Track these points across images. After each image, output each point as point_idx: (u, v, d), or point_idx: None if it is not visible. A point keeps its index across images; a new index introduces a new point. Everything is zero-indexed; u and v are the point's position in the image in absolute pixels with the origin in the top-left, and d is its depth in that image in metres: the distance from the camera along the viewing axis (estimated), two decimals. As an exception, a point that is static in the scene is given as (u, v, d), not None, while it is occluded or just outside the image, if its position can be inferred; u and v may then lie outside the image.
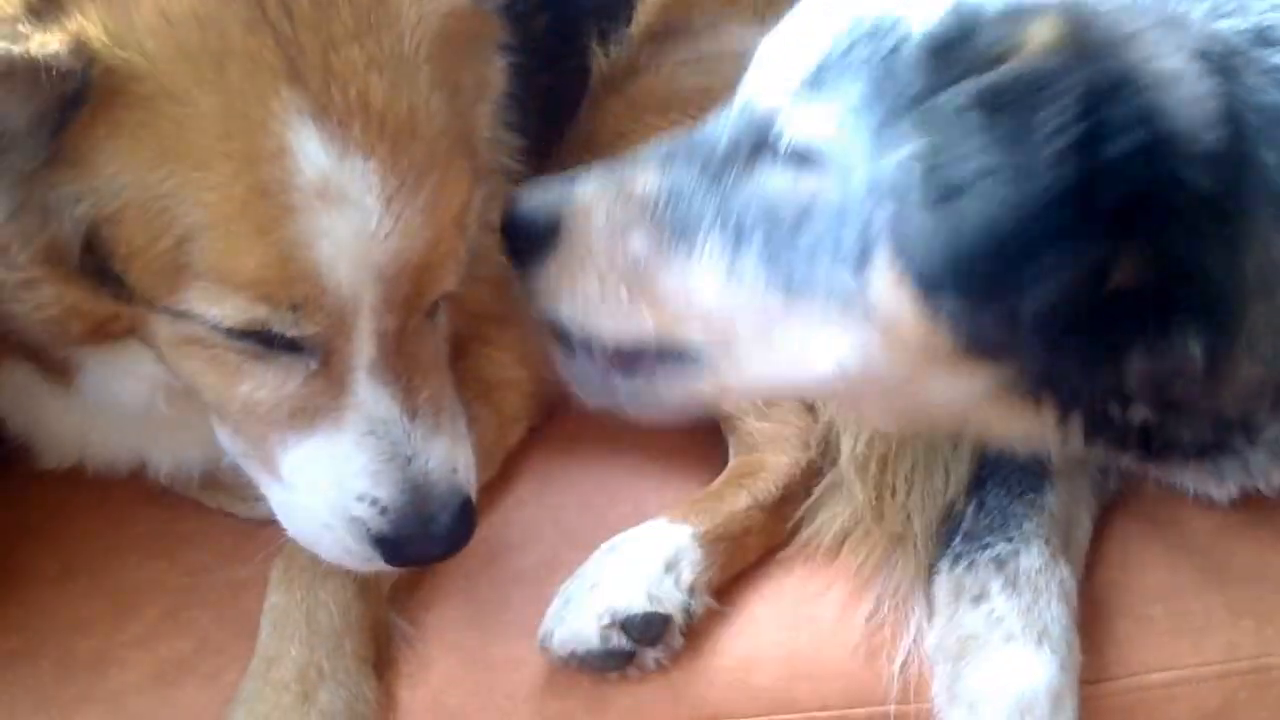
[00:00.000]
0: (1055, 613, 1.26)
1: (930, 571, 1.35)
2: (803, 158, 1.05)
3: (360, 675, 1.25)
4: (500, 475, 1.48)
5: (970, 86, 0.96)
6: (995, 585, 1.28)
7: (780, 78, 1.09)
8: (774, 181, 1.06)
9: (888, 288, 1.01)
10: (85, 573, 1.40)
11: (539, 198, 1.15)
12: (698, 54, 1.61)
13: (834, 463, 1.45)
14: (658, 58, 1.63)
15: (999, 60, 0.98)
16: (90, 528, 1.44)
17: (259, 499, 1.39)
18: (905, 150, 0.97)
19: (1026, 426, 1.12)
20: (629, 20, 1.65)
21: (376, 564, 1.20)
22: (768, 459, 1.44)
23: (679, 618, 1.29)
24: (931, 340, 1.02)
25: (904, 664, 1.31)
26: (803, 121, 1.05)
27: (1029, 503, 1.34)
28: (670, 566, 1.31)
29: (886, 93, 1.01)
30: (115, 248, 1.06)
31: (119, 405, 1.30)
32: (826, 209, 1.03)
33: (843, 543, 1.41)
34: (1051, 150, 0.92)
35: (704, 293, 1.09)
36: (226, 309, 1.05)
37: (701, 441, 1.52)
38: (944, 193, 0.94)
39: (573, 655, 1.27)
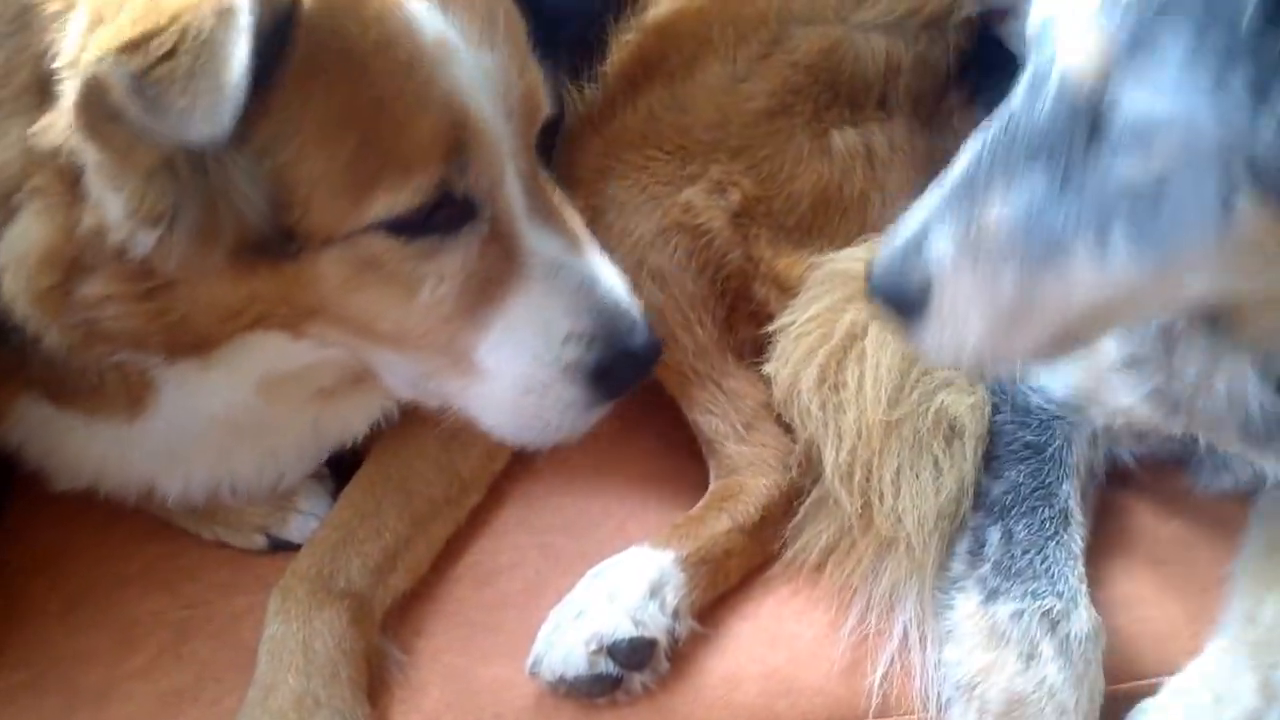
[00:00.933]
0: (1099, 686, 1.29)
1: (946, 582, 1.37)
2: (1144, 133, 1.02)
3: (355, 702, 1.28)
4: (487, 501, 1.50)
5: None
6: (1048, 649, 1.28)
7: (1092, 42, 1.03)
8: (1122, 166, 1.04)
9: (1252, 217, 1.02)
10: (88, 607, 1.42)
11: (896, 262, 1.15)
12: (674, 92, 1.64)
13: (816, 481, 1.48)
14: (635, 96, 1.65)
15: None
16: (92, 563, 1.47)
17: (256, 530, 1.46)
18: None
19: None
20: (603, 59, 1.67)
21: (600, 408, 1.22)
22: (748, 482, 1.48)
23: (664, 641, 1.33)
24: None
25: (885, 676, 1.35)
26: (1135, 97, 1.01)
27: (1064, 547, 1.35)
28: (654, 591, 1.35)
29: (1212, 41, 0.98)
30: (296, 191, 1.08)
31: (190, 429, 1.30)
32: (1181, 175, 1.02)
33: (828, 558, 1.44)
34: None
35: (1085, 291, 1.08)
36: (414, 186, 1.09)
37: (683, 466, 1.56)
38: None
39: (561, 680, 1.30)
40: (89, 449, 1.36)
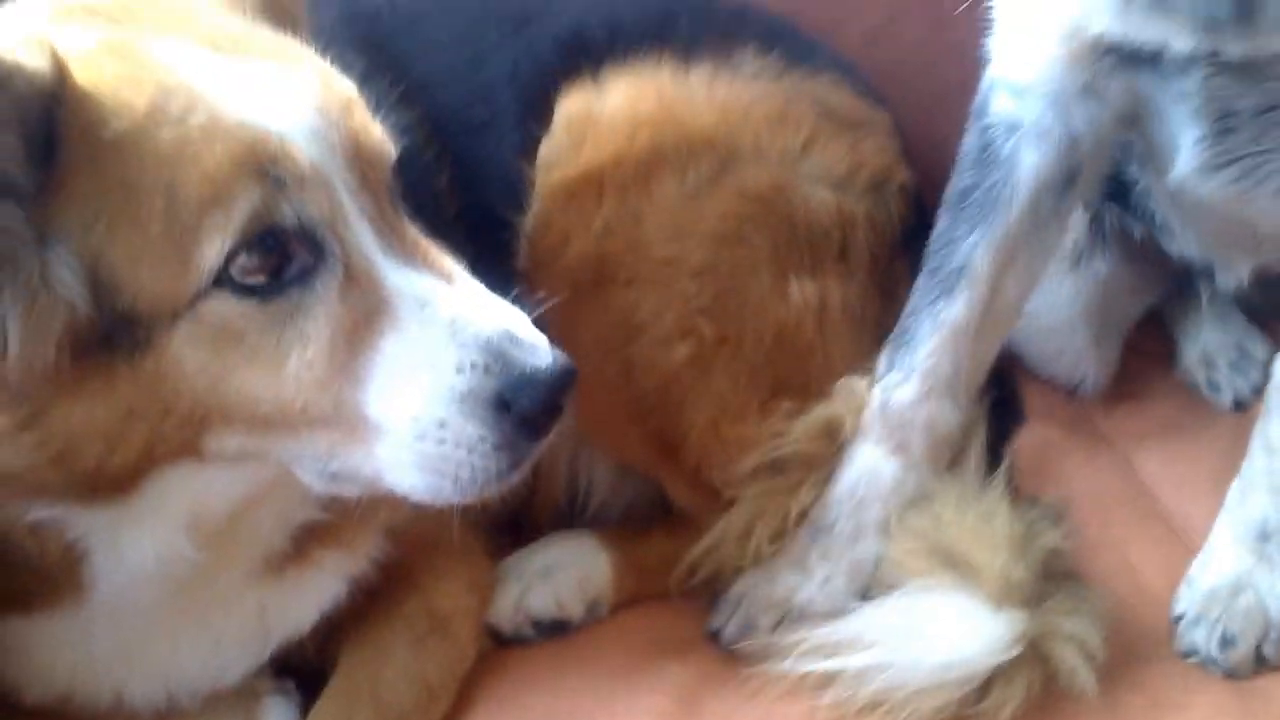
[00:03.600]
0: None
1: None
2: None
3: None
4: (456, 706, 1.39)
5: None
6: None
7: None
8: None
9: None
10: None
11: None
12: (629, 206, 1.51)
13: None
14: (585, 215, 1.50)
15: None
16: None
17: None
18: None
19: None
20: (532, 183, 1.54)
21: (517, 448, 1.13)
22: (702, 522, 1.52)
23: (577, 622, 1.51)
24: None
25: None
26: None
27: (934, 317, 1.44)
28: (582, 584, 1.51)
29: None
30: (119, 270, 1.04)
31: (132, 598, 1.21)
32: None
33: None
34: None
35: None
36: (235, 219, 1.04)
37: (649, 660, 1.46)
38: None
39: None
40: (46, 650, 1.27)
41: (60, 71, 1.01)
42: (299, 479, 1.17)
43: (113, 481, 1.11)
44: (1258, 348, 1.79)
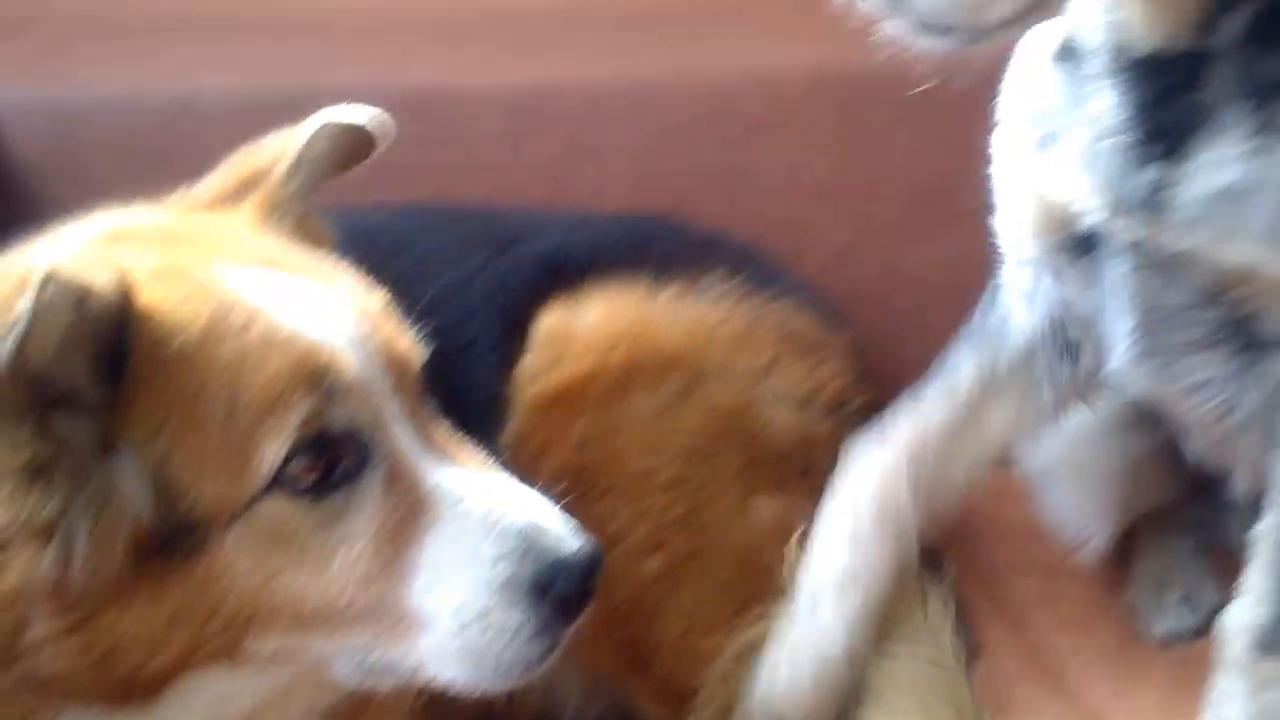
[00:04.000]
0: None
1: None
2: None
3: None
4: None
5: None
6: None
7: None
8: None
9: None
10: None
11: None
12: (604, 418, 1.58)
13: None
14: (564, 427, 1.56)
15: None
16: None
17: None
18: None
19: None
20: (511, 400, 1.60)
21: (552, 632, 1.16)
22: None
23: None
24: None
25: None
26: None
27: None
28: None
29: None
30: (182, 477, 1.08)
31: None
32: None
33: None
34: None
35: None
36: (291, 425, 1.09)
37: None
38: None
39: None
40: None
41: (127, 292, 1.07)
42: (329, 673, 1.19)
43: (146, 685, 1.12)
44: (1207, 588, 1.76)
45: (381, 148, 1.34)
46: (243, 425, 1.08)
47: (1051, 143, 1.32)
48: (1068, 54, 1.32)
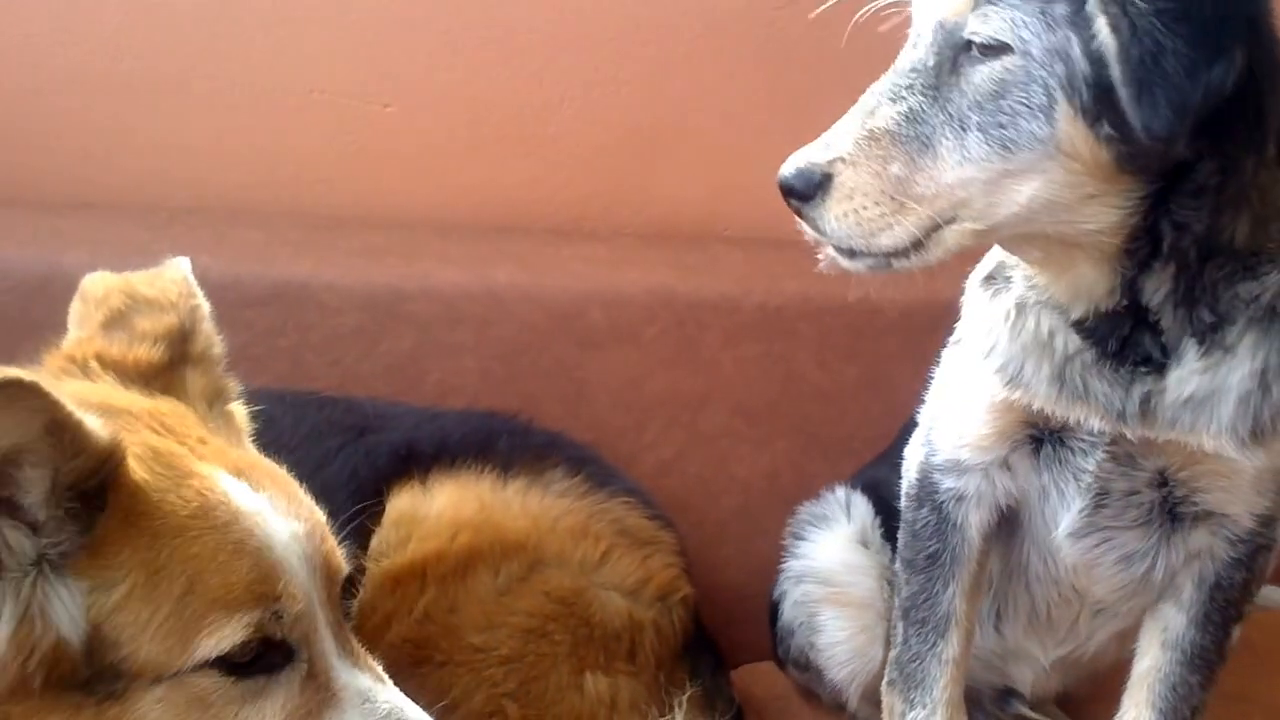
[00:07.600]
0: None
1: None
2: (992, 48, 1.34)
3: None
4: None
5: None
6: None
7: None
8: (977, 73, 1.36)
9: (1066, 124, 1.32)
10: None
11: (802, 162, 1.41)
12: (447, 595, 1.66)
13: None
14: (409, 601, 1.65)
15: None
16: None
17: None
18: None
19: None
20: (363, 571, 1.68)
21: None
22: None
23: None
24: (1098, 156, 1.33)
25: None
26: (988, 23, 1.34)
27: (938, 656, 1.65)
28: None
29: None
30: (123, 631, 1.15)
31: None
32: (1018, 79, 1.33)
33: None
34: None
35: (951, 170, 1.37)
36: (234, 627, 1.18)
37: None
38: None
39: None
40: None
41: (119, 453, 1.15)
42: None
43: None
44: None
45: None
46: (194, 609, 1.17)
47: (1017, 367, 1.53)
48: (996, 278, 1.57)
